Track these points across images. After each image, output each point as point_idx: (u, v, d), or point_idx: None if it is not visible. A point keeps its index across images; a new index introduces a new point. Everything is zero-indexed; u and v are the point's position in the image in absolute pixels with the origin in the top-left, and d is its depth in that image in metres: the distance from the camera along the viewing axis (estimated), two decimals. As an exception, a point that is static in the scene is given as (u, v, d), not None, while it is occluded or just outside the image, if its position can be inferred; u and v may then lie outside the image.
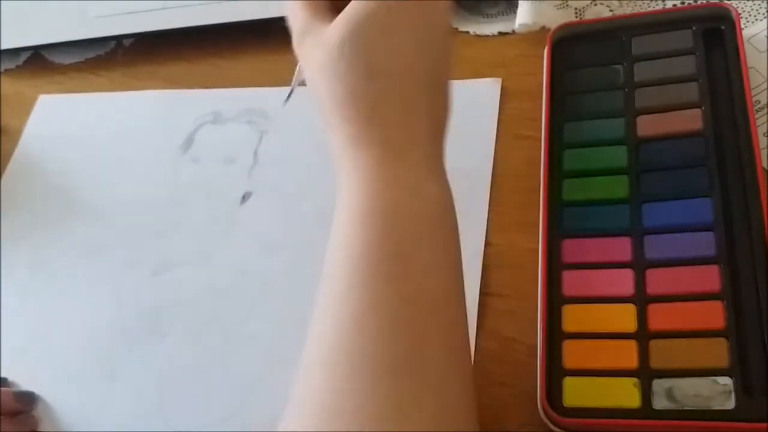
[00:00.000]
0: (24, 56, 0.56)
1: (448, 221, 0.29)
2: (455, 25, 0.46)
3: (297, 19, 0.31)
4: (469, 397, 0.27)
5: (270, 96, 0.46)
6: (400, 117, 0.28)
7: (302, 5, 0.31)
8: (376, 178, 0.28)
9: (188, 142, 0.44)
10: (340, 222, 0.28)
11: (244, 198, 0.43)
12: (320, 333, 0.27)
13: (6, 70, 0.56)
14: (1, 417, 0.38)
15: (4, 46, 0.55)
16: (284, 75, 0.43)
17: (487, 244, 0.38)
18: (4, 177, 0.50)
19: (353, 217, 0.28)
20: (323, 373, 0.26)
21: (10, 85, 0.55)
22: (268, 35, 0.49)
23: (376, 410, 0.24)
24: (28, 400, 0.39)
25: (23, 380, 0.41)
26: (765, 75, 0.38)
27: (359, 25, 0.28)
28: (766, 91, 0.38)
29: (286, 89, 0.40)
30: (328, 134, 0.30)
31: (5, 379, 0.41)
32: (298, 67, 0.35)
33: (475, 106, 0.42)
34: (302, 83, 0.36)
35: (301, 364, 0.27)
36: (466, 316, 0.28)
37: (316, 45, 0.29)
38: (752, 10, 0.41)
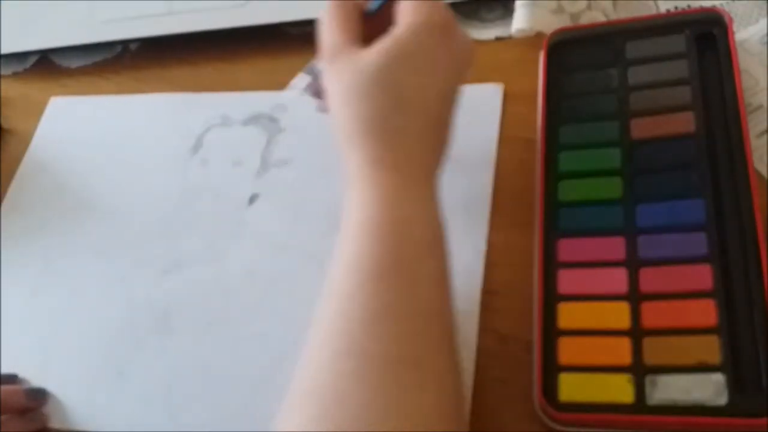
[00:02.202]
0: (32, 59, 0.57)
1: (443, 243, 0.31)
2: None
3: (332, 38, 0.33)
4: (462, 391, 0.30)
5: (278, 100, 0.47)
6: (416, 145, 0.32)
7: (340, 27, 0.33)
8: (392, 199, 0.30)
9: (197, 145, 0.45)
10: (352, 232, 0.30)
11: (252, 200, 0.44)
12: (327, 332, 0.29)
13: (14, 73, 0.57)
14: (12, 414, 0.39)
15: (13, 50, 0.56)
16: (288, 79, 0.44)
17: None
18: (16, 177, 0.51)
19: (365, 231, 0.30)
20: (331, 368, 0.28)
21: (17, 88, 0.56)
22: (273, 40, 0.50)
23: (382, 401, 0.26)
24: (38, 397, 0.40)
25: (34, 377, 0.41)
26: (757, 78, 0.39)
27: (397, 58, 0.31)
28: (758, 94, 0.39)
29: (294, 93, 0.41)
30: (344, 151, 0.33)
31: (16, 376, 0.41)
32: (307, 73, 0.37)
33: (477, 110, 0.42)
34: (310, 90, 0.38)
35: (305, 361, 0.29)
36: (455, 323, 0.30)
37: (349, 66, 0.32)
38: (744, 14, 0.41)
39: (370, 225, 0.30)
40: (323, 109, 0.38)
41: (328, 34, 0.34)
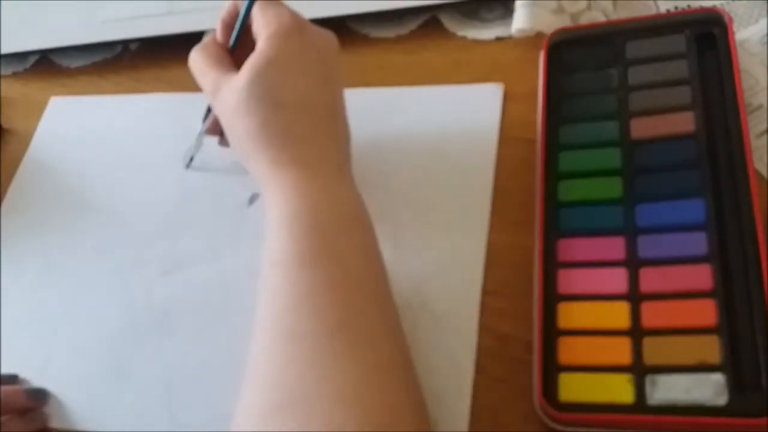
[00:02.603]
0: (32, 59, 0.57)
1: (359, 214, 0.34)
2: (453, 30, 0.46)
3: (208, 78, 0.37)
4: (402, 356, 0.31)
5: None
6: (306, 140, 0.35)
7: (210, 66, 0.37)
8: (295, 190, 0.33)
9: (197, 144, 0.45)
10: (271, 231, 0.33)
11: (252, 199, 0.44)
12: (262, 325, 0.31)
13: (14, 73, 0.57)
14: (13, 414, 0.39)
15: (13, 49, 0.56)
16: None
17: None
18: (16, 177, 0.51)
19: (281, 225, 0.32)
20: (267, 355, 0.30)
21: (17, 88, 0.56)
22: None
23: (316, 371, 0.28)
24: (38, 397, 0.40)
25: (34, 377, 0.41)
26: (757, 78, 0.39)
27: (262, 68, 0.34)
28: (758, 94, 0.39)
29: (195, 138, 0.44)
30: (249, 165, 0.36)
31: (16, 377, 0.41)
32: (202, 128, 0.43)
33: (477, 110, 0.42)
34: (209, 133, 0.42)
35: (249, 357, 0.31)
36: (389, 288, 0.33)
37: (229, 92, 0.35)
38: (744, 14, 0.41)
39: (281, 220, 0.33)
40: (224, 143, 0.42)
41: (203, 76, 0.38)
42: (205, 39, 0.40)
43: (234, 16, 0.39)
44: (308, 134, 0.35)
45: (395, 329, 0.31)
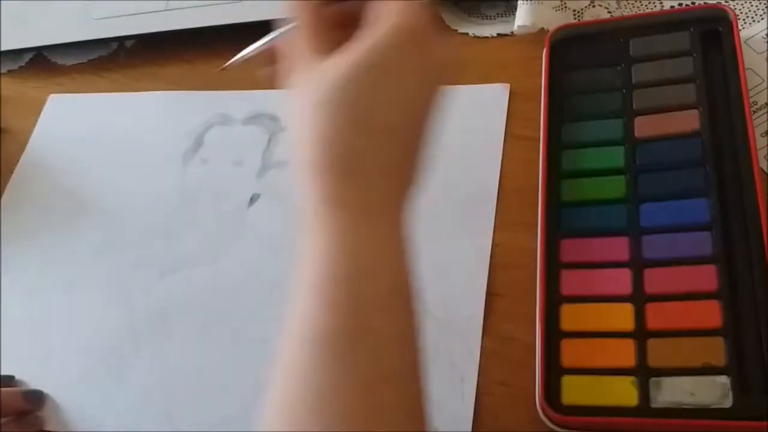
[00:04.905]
0: (27, 57, 0.56)
1: (407, 291, 0.27)
2: (455, 27, 0.46)
3: (302, 49, 0.29)
4: None
5: (279, 99, 0.46)
6: (378, 177, 0.27)
7: (310, 36, 0.29)
8: (351, 247, 0.27)
9: (197, 144, 0.45)
10: (305, 290, 0.27)
11: (252, 200, 0.43)
12: (276, 409, 0.26)
13: (9, 71, 0.57)
14: (9, 416, 0.39)
15: (7, 47, 0.55)
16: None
17: (487, 244, 0.38)
18: (13, 176, 0.50)
19: (321, 290, 0.26)
20: None
21: (13, 86, 0.55)
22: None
23: None
24: (35, 399, 0.40)
25: (30, 379, 0.41)
26: (762, 76, 0.39)
27: (356, 73, 0.26)
28: (763, 92, 0.38)
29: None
30: (300, 180, 0.28)
31: (13, 378, 0.41)
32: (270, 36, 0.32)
33: (483, 111, 0.42)
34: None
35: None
36: (422, 383, 0.26)
37: (310, 82, 0.27)
38: (750, 11, 0.41)
39: (324, 282, 0.26)
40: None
41: (296, 40, 0.29)
42: None
43: None
44: (383, 170, 0.27)
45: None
